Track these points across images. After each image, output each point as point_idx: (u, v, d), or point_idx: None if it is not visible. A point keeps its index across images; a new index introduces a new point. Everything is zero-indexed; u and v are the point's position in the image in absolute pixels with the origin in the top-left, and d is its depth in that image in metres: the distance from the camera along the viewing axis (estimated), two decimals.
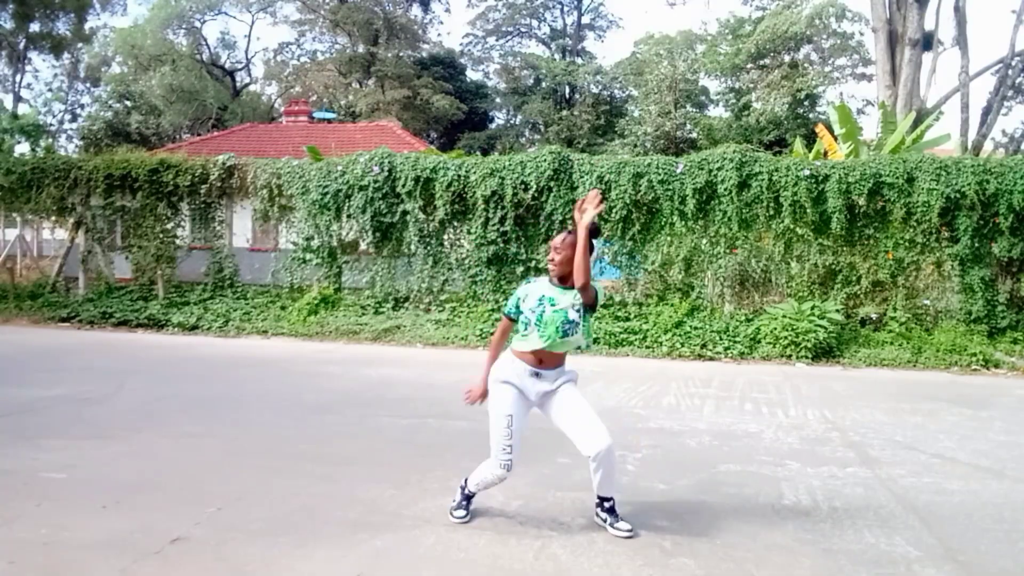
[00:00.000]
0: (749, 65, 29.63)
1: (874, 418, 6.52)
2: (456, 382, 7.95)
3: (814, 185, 10.74)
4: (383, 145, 13.19)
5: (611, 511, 3.72)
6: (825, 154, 14.51)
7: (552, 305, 3.61)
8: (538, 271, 11.52)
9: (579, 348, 3.77)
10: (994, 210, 10.40)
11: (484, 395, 3.78)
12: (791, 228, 10.87)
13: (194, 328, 11.92)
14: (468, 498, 3.90)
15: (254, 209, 13.20)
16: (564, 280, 3.65)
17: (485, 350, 11.66)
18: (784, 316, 10.22)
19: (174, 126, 36.72)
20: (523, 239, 11.76)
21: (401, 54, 38.71)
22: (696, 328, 10.64)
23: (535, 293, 3.68)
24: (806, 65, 28.74)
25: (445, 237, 12.21)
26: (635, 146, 28.85)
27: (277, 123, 29.46)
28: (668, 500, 4.19)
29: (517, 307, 3.74)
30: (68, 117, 41.47)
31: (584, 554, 3.42)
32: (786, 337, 10.04)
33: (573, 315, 3.60)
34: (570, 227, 3.65)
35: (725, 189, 10.92)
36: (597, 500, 3.77)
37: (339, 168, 12.42)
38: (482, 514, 3.88)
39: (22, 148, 29.78)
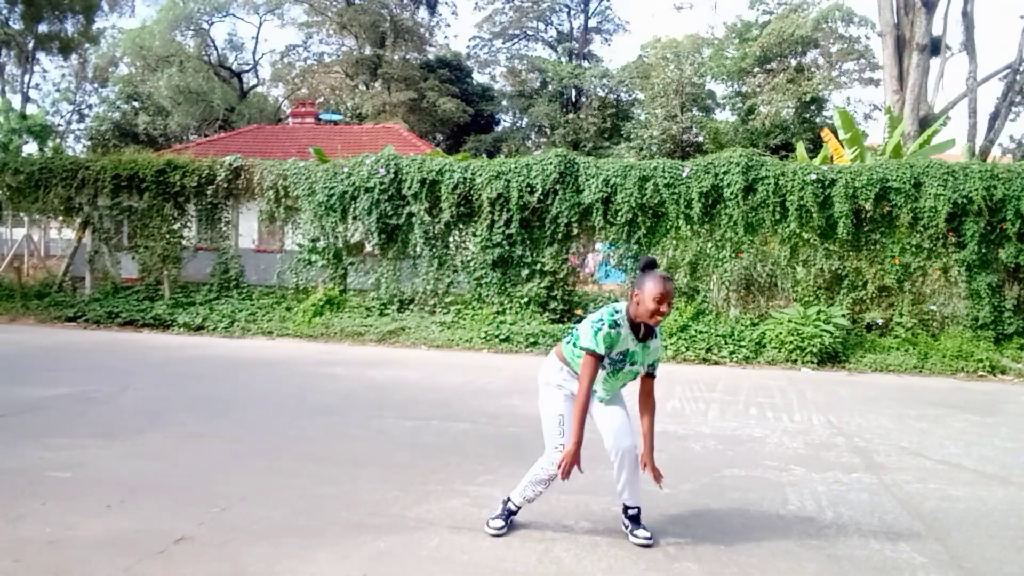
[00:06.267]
0: (755, 69, 29.63)
1: (879, 424, 6.50)
2: (460, 384, 7.97)
3: (820, 190, 10.71)
4: (389, 146, 13.20)
5: (634, 519, 3.64)
6: (831, 159, 14.49)
7: (632, 364, 3.49)
8: (543, 274, 11.51)
9: None
10: (1001, 216, 10.36)
11: (578, 460, 3.37)
12: (797, 232, 10.84)
13: (200, 328, 11.96)
14: (511, 512, 3.71)
15: (260, 210, 13.22)
16: (640, 330, 3.45)
17: (489, 352, 11.53)
18: (790, 321, 10.19)
19: (181, 127, 36.87)
20: (528, 242, 11.75)
21: (407, 56, 38.83)
22: (701, 332, 10.61)
23: (622, 344, 3.42)
24: (812, 69, 28.73)
25: (450, 239, 12.20)
26: (641, 149, 28.90)
27: (284, 125, 29.56)
28: (672, 504, 4.17)
29: (606, 347, 3.39)
30: (76, 117, 41.81)
31: (588, 557, 3.42)
32: (791, 342, 10.01)
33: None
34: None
35: (731, 193, 10.90)
36: (622, 507, 3.69)
37: (345, 170, 12.44)
38: (486, 516, 3.88)
39: (30, 148, 29.99)
